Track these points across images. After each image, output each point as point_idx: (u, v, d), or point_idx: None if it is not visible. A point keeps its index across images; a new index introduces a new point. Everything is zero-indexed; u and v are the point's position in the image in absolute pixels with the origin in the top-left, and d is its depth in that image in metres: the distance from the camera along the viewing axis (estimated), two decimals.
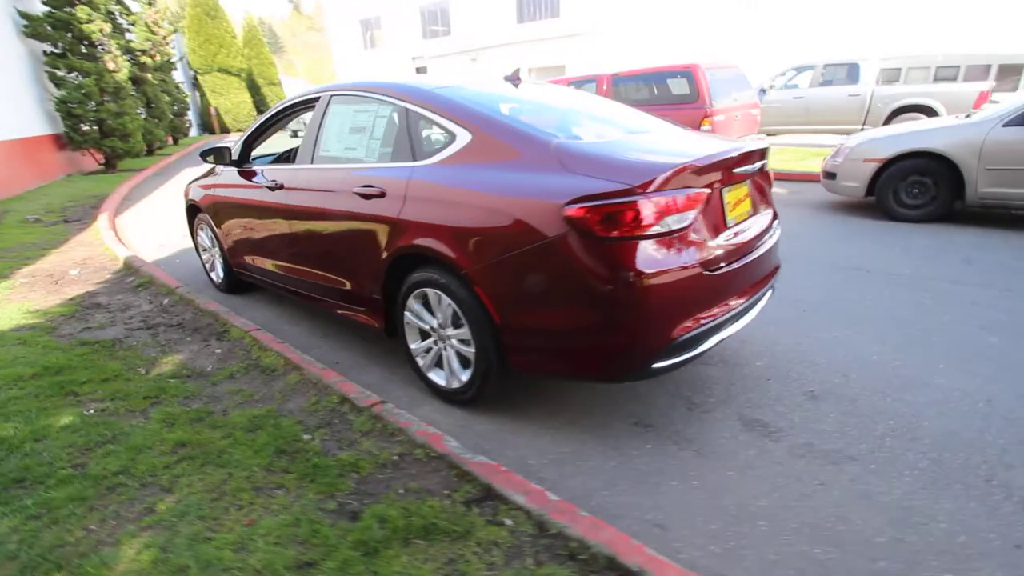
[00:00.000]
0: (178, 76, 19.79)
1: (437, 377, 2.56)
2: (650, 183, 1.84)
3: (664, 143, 2.34)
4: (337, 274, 2.90)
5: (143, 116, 13.50)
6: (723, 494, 1.89)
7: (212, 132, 26.27)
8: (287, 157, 4.01)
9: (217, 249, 4.12)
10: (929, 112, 9.44)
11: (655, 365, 1.96)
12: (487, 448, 2.16)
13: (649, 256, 1.85)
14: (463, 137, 2.26)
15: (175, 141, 17.87)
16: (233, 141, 3.71)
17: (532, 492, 1.76)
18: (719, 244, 2.08)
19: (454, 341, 2.40)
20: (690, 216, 1.94)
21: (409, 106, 2.49)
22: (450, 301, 2.30)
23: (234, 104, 27.28)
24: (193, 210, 4.28)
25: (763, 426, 2.27)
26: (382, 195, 2.46)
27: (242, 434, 2.23)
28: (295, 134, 6.67)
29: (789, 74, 11.22)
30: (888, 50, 10.63)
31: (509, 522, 1.69)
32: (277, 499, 1.86)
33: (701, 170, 1.99)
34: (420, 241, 2.31)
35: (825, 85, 10.60)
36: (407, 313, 2.56)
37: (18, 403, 2.49)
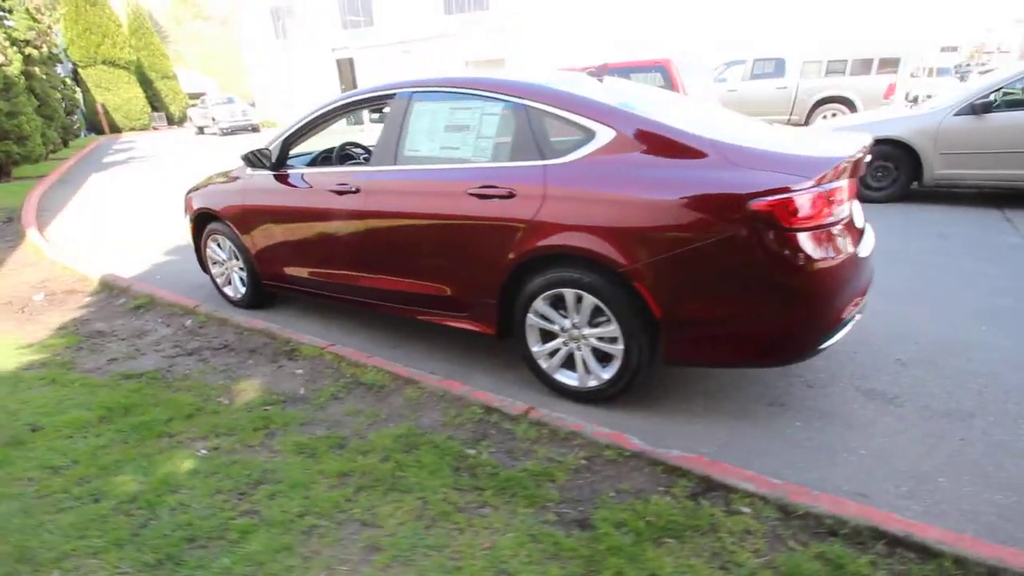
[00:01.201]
0: (59, 70, 17.44)
1: (566, 378, 2.54)
2: (823, 176, 1.96)
3: (802, 139, 2.41)
4: (431, 280, 2.77)
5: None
6: (891, 459, 2.06)
7: (100, 132, 23.47)
8: (326, 158, 3.75)
9: (237, 262, 3.76)
10: (848, 103, 10.54)
11: (821, 346, 2.10)
12: (653, 443, 2.19)
13: (825, 243, 1.97)
14: (604, 134, 2.25)
15: (65, 143, 15.76)
16: (268, 141, 3.39)
17: (755, 479, 1.83)
18: (857, 229, 2.26)
19: (592, 340, 2.40)
20: (847, 205, 2.09)
21: (529, 103, 2.42)
22: (595, 300, 2.29)
23: (124, 100, 24.63)
24: (202, 221, 3.86)
25: (881, 395, 2.48)
26: (509, 195, 2.38)
27: (401, 456, 2.10)
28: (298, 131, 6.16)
29: (720, 68, 12.02)
30: (807, 45, 11.70)
31: (747, 510, 1.75)
32: (490, 517, 1.78)
33: (850, 164, 2.14)
34: (564, 241, 2.27)
35: (755, 79, 11.48)
36: (530, 316, 2.51)
37: (112, 452, 2.16)
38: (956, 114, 5.22)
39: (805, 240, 1.94)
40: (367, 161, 3.90)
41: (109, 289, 4.34)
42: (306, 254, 3.30)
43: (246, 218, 3.51)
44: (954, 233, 4.68)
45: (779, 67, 11.20)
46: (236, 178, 3.61)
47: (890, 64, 10.91)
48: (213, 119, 20.70)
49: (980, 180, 5.33)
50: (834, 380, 2.62)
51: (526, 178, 2.36)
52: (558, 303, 2.44)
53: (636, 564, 1.57)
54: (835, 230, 2.02)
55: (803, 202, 1.92)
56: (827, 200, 1.97)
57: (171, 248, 5.73)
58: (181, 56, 48.71)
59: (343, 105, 3.13)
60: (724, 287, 2.06)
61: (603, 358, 2.42)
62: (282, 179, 3.31)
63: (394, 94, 2.87)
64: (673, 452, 1.99)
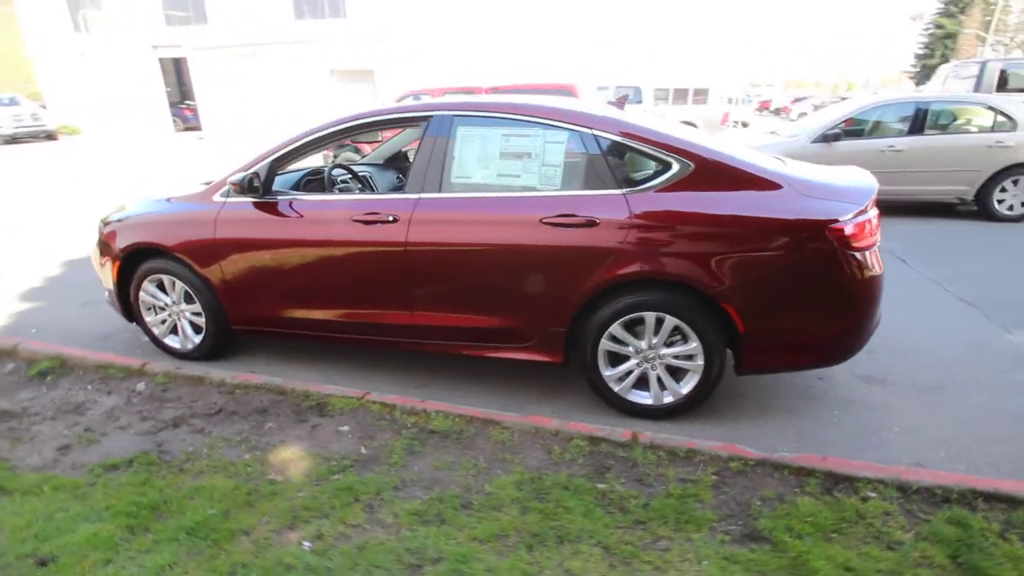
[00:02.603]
0: None
1: (639, 398, 2.62)
2: (868, 204, 2.35)
3: (827, 172, 2.70)
4: (490, 312, 2.65)
5: None
6: (919, 431, 2.52)
7: None
8: (309, 182, 3.31)
9: (190, 305, 3.14)
10: (694, 127, 12.27)
11: (866, 344, 2.49)
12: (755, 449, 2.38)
13: (873, 258, 2.36)
14: (681, 166, 2.39)
15: None
16: (250, 161, 2.90)
17: (867, 467, 2.11)
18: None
19: (669, 358, 2.52)
20: None
21: (600, 133, 2.47)
22: (676, 321, 2.42)
23: None
24: (133, 258, 3.14)
25: (874, 379, 2.99)
26: (590, 224, 2.40)
27: (539, 504, 1.98)
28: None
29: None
30: (657, 76, 13.35)
31: (874, 495, 2.01)
32: (675, 550, 1.79)
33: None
34: (652, 267, 2.36)
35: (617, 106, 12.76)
36: (604, 341, 2.55)
37: (189, 569, 1.67)
38: (812, 142, 6.44)
39: (863, 257, 2.30)
40: (369, 188, 3.57)
41: None
42: (311, 292, 2.89)
43: (217, 253, 2.94)
44: None
45: (637, 94, 12.59)
46: (200, 205, 3.01)
47: (701, 94, 13.09)
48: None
49: None
50: (833, 370, 3.09)
51: (609, 207, 2.40)
52: (630, 325, 2.51)
53: (830, 563, 1.72)
54: (876, 248, 2.42)
55: (863, 225, 2.28)
56: (872, 223, 2.36)
57: (28, 291, 4.51)
58: None
59: (357, 125, 2.82)
60: (799, 300, 2.35)
61: (678, 375, 2.56)
62: (270, 208, 2.86)
63: (430, 116, 2.69)
64: (788, 455, 2.20)
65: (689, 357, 2.50)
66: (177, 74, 21.99)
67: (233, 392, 2.80)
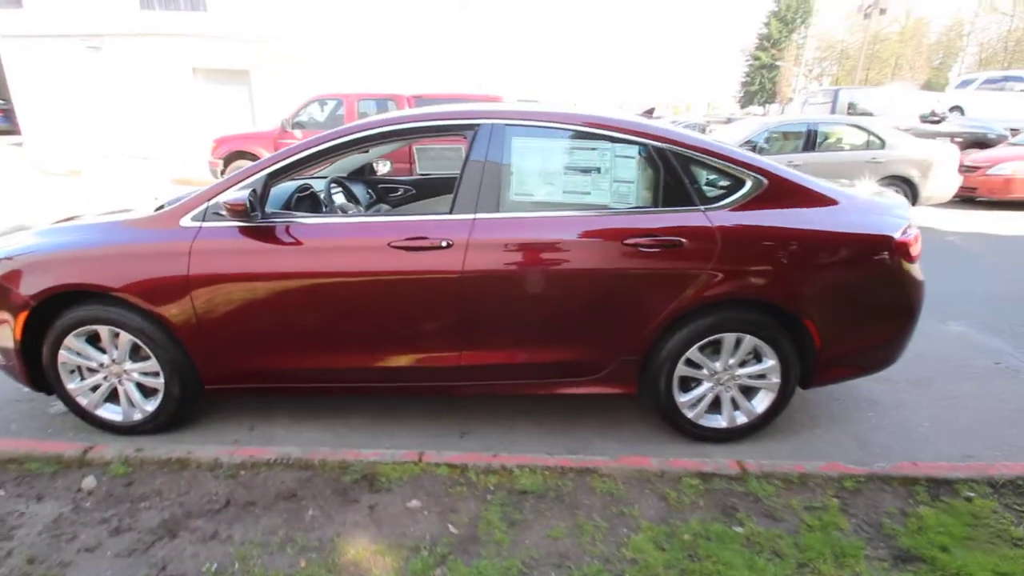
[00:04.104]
0: None
1: (711, 422, 2.52)
2: (911, 218, 2.51)
3: (861, 188, 2.83)
4: (550, 344, 2.37)
5: None
6: (947, 424, 2.74)
7: None
8: (299, 200, 2.70)
9: (138, 364, 2.41)
10: None
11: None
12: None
13: (919, 268, 2.51)
14: (755, 183, 2.33)
15: None
16: (237, 176, 2.27)
17: (955, 467, 2.22)
18: None
19: (744, 378, 2.46)
20: None
21: (674, 148, 2.32)
22: (758, 341, 2.37)
23: None
24: (50, 306, 2.31)
25: (874, 376, 3.23)
26: (675, 244, 2.24)
27: (695, 564, 1.76)
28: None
29: None
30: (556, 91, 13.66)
31: (972, 494, 2.11)
32: None
33: None
34: (737, 287, 2.28)
35: None
36: (680, 366, 2.41)
37: None
38: None
39: (916, 267, 2.44)
40: (377, 200, 3.02)
41: None
42: (331, 336, 2.36)
43: (189, 294, 2.26)
44: None
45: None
46: (161, 233, 2.29)
47: None
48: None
49: None
50: None
51: (692, 225, 2.27)
52: (704, 347, 2.41)
53: (987, 572, 1.74)
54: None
55: (916, 238, 2.42)
56: (917, 237, 2.52)
57: None
58: None
59: (380, 134, 2.37)
60: (866, 311, 2.42)
61: (748, 394, 2.51)
62: (267, 234, 2.28)
63: (476, 125, 2.33)
64: (887, 466, 2.24)
65: (762, 376, 2.46)
66: None
67: (236, 475, 2.16)
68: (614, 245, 2.26)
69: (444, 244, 2.22)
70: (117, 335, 2.36)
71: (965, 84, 15.40)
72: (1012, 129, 10.88)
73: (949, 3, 43.15)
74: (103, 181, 10.71)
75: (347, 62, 15.95)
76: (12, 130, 16.50)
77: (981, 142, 10.53)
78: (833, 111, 9.86)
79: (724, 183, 2.41)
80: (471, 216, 2.26)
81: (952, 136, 10.08)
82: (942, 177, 7.37)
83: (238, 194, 2.14)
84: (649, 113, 3.17)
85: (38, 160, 12.37)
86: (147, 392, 2.48)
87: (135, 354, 2.41)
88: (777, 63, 41.43)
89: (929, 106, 10.87)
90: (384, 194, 3.96)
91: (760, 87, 44.46)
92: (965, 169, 8.52)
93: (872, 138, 6.99)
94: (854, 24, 35.58)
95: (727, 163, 2.36)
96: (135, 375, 2.44)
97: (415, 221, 2.35)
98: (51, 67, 14.56)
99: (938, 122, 10.52)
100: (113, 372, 2.44)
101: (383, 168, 4.48)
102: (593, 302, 2.31)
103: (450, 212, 2.30)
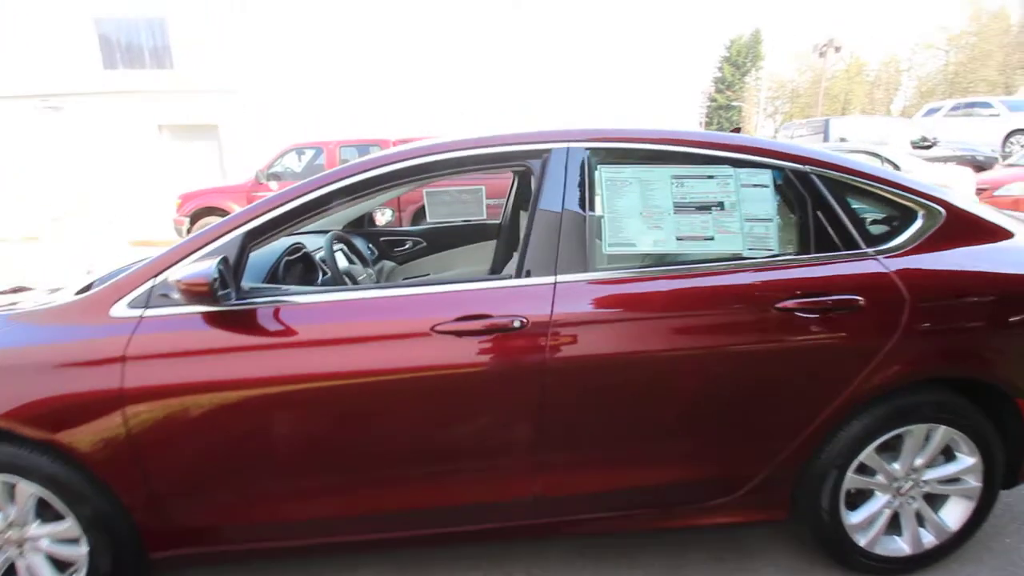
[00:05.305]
0: None
1: (893, 546, 1.78)
2: None
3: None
4: (667, 460, 1.65)
5: None
6: None
7: None
8: (288, 266, 1.96)
9: (44, 528, 1.58)
10: None
11: None
12: None
13: None
14: (929, 216, 1.69)
15: None
16: (199, 243, 1.53)
17: None
18: None
19: (934, 485, 1.75)
20: None
21: (821, 170, 1.67)
22: (955, 432, 1.68)
23: None
24: None
25: None
26: (849, 305, 1.56)
27: None
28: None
29: None
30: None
31: None
32: None
33: None
34: (934, 363, 1.61)
35: None
36: (850, 475, 1.69)
37: None
38: None
39: None
40: (380, 257, 2.30)
41: None
42: (348, 469, 1.57)
43: (124, 418, 1.46)
44: None
45: None
46: (78, 330, 1.51)
47: None
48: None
49: None
50: None
51: (868, 275, 1.59)
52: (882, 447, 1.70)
53: None
54: None
55: None
56: None
57: None
58: None
59: (412, 168, 1.65)
60: None
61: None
62: (245, 321, 1.52)
63: (546, 151, 1.65)
64: None
65: (954, 479, 1.75)
66: None
67: None
68: (759, 312, 1.56)
69: (516, 324, 1.49)
70: (12, 489, 1.53)
71: (931, 112, 15.80)
72: (997, 152, 10.90)
73: (882, 42, 46.55)
74: (62, 246, 9.90)
75: (324, 109, 15.47)
76: None
77: (972, 165, 10.48)
78: (826, 140, 9.69)
79: (886, 218, 1.77)
80: (550, 280, 1.55)
81: (945, 160, 9.97)
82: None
83: (199, 267, 1.39)
84: (736, 132, 2.58)
85: None
86: (62, 567, 1.63)
87: (45, 513, 1.58)
88: (733, 104, 43.05)
89: (918, 132, 10.80)
90: (388, 248, 3.24)
91: (719, 127, 45.90)
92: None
93: (885, 164, 6.67)
94: (803, 64, 37.45)
95: (895, 190, 1.71)
96: (42, 544, 1.60)
97: (464, 291, 1.61)
98: (6, 129, 13.70)
99: (930, 147, 10.42)
100: (10, 541, 1.60)
101: (382, 218, 3.77)
102: (731, 396, 1.60)
103: (517, 275, 1.58)
